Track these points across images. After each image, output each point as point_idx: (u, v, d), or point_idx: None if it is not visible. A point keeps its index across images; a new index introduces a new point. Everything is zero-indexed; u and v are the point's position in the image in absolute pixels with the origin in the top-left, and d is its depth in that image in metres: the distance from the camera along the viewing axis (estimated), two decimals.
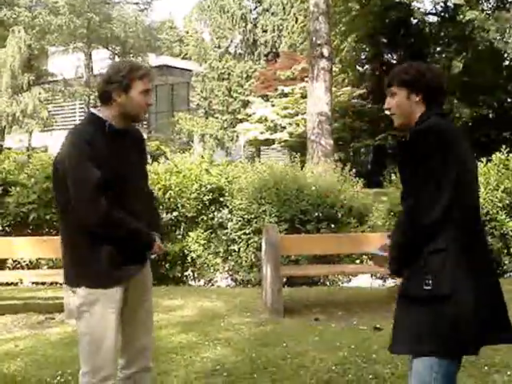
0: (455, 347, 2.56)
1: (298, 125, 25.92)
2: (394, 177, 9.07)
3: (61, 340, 5.56)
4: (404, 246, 2.64)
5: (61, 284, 6.53)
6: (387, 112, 2.90)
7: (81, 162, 2.83)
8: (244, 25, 34.55)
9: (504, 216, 8.84)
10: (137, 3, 29.15)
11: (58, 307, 6.57)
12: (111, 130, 2.97)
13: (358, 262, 8.74)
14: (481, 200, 8.82)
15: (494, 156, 9.37)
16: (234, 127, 31.84)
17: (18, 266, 8.54)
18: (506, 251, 8.87)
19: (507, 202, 8.91)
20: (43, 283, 8.20)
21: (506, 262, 8.86)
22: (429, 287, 2.52)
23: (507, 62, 26.56)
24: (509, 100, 25.97)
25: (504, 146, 9.37)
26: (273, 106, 27.33)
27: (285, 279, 7.61)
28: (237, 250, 8.65)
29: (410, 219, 2.58)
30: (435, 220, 2.51)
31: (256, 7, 35.71)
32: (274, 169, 9.18)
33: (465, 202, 2.61)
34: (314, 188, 8.62)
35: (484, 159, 9.28)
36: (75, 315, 3.05)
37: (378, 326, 5.78)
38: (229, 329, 5.80)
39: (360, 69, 30.88)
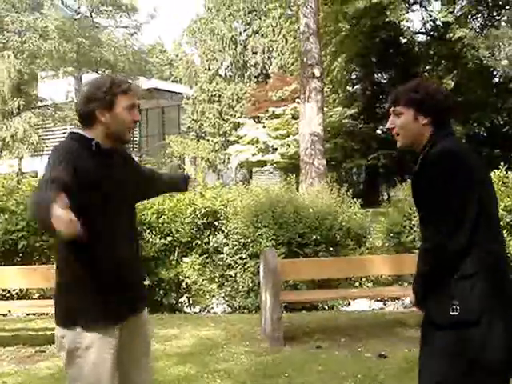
0: (481, 373, 2.41)
1: (289, 146, 25.85)
2: (389, 195, 8.89)
3: (51, 375, 5.29)
4: (430, 276, 2.51)
5: (52, 314, 6.28)
6: (391, 131, 2.72)
7: (55, 164, 2.51)
8: (234, 47, 34.59)
9: (506, 235, 8.66)
10: (126, 27, 29.04)
11: (50, 339, 6.28)
12: (98, 148, 2.67)
13: (356, 284, 8.53)
14: None
15: (492, 173, 9.20)
16: (225, 149, 31.72)
17: (8, 295, 8.26)
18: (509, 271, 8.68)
19: (508, 219, 8.73)
20: (34, 313, 7.93)
21: None
22: (456, 313, 2.40)
23: (496, 80, 26.66)
24: (499, 118, 26.00)
25: (502, 163, 9.22)
26: (264, 127, 27.27)
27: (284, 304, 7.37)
28: (233, 275, 8.42)
29: (435, 247, 2.43)
30: (461, 246, 2.39)
31: (246, 29, 35.78)
32: (270, 191, 8.98)
33: (488, 223, 2.49)
34: (311, 210, 8.42)
35: None
36: (63, 359, 2.72)
37: (383, 353, 5.57)
38: (228, 359, 5.56)
39: (350, 89, 30.95)
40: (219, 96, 33.69)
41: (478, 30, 22.92)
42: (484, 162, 2.69)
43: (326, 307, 8.54)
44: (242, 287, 8.33)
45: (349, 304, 8.67)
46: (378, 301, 8.66)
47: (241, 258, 8.35)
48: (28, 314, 7.88)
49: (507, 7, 23.04)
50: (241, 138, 28.26)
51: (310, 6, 16.06)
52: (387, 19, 21.15)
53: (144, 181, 3.10)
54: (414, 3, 25.38)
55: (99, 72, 27.96)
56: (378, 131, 30.08)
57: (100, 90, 2.65)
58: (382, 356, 5.52)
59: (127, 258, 2.76)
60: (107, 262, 2.65)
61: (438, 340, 2.48)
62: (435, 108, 2.59)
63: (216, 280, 8.53)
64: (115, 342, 2.68)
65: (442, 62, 25.66)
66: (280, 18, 31.71)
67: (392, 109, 2.69)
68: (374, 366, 5.21)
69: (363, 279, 8.48)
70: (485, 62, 20.69)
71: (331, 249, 8.31)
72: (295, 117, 25.55)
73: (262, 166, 28.82)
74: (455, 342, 2.42)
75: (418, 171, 2.57)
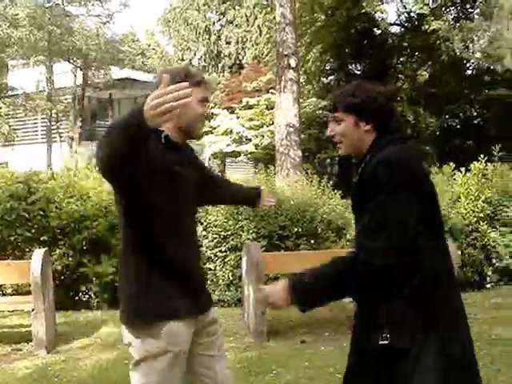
0: None
1: (263, 136, 25.75)
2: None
3: (29, 375, 5.11)
4: (350, 286, 2.21)
5: (28, 311, 6.09)
6: (332, 139, 2.46)
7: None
8: (208, 37, 34.36)
9: (485, 226, 8.67)
10: (98, 16, 28.56)
11: (26, 336, 6.12)
12: (168, 141, 2.55)
13: None
14: (462, 211, 8.66)
15: (472, 166, 9.21)
16: (199, 140, 31.50)
17: None
18: (489, 262, 8.70)
19: (488, 212, 8.75)
20: (9, 310, 7.69)
21: (489, 274, 8.69)
22: (386, 341, 2.14)
23: (469, 72, 26.84)
24: (472, 110, 26.20)
25: (482, 156, 9.23)
26: (238, 118, 27.14)
27: None
28: (213, 268, 8.28)
29: (367, 259, 2.11)
30: (392, 263, 2.10)
31: (219, 19, 35.53)
32: (250, 183, 8.85)
33: (433, 237, 2.26)
34: (292, 202, 8.31)
35: (463, 169, 9.13)
36: (130, 364, 2.53)
37: None
38: None
39: (325, 80, 30.91)
40: None
41: (451, 23, 23.01)
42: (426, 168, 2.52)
43: None
44: (223, 280, 8.20)
45: None
46: None
47: (221, 251, 8.21)
48: (2, 311, 7.66)
49: (479, 0, 23.19)
50: (215, 128, 28.09)
51: None
52: (363, 10, 21.16)
53: (206, 183, 2.92)
54: None
55: (71, 61, 27.51)
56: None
57: (174, 81, 2.34)
58: None
59: (192, 259, 2.64)
60: (176, 263, 2.52)
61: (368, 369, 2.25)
62: (377, 112, 2.34)
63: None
64: (186, 345, 2.53)
65: (416, 53, 25.74)
66: (254, 7, 31.57)
67: (331, 115, 2.44)
68: None
69: None
70: (459, 54, 20.80)
71: (312, 241, 8.21)
72: (269, 107, 25.48)
73: (236, 157, 28.70)
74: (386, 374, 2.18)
75: (357, 182, 2.33)
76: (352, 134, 2.37)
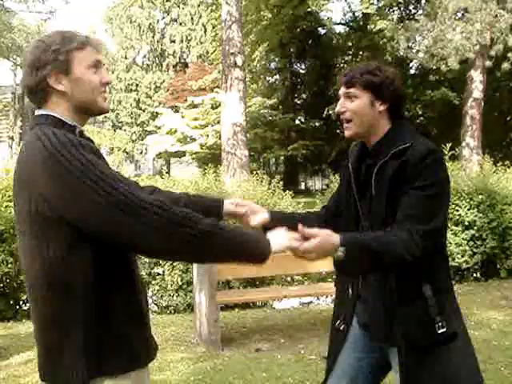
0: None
1: (208, 136, 25.51)
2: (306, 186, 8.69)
3: None
4: (398, 259, 2.17)
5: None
6: (341, 116, 2.36)
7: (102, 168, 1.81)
8: (152, 35, 33.83)
9: None
10: (39, 12, 27.72)
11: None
12: (83, 137, 1.96)
13: (288, 279, 8.26)
14: None
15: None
16: (142, 140, 31.00)
17: None
18: None
19: None
20: None
21: None
22: (444, 329, 2.23)
23: (412, 71, 27.18)
24: (417, 109, 26.50)
25: None
26: (183, 117, 26.81)
27: None
28: (161, 273, 7.95)
29: (430, 231, 2.20)
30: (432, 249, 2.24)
31: (164, 17, 35.05)
32: (199, 183, 8.55)
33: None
34: None
35: None
36: None
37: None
38: (164, 368, 5.10)
39: (270, 79, 30.88)
40: (136, 85, 32.91)
41: (396, 23, 23.22)
42: None
43: (258, 304, 8.22)
44: (171, 286, 7.88)
45: (281, 300, 8.37)
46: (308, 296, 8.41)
47: None
48: None
49: (423, 1, 23.49)
50: (159, 128, 27.70)
51: None
52: (308, 9, 21.13)
53: None
54: None
55: (10, 59, 26.60)
56: (297, 121, 30.18)
57: (49, 51, 1.92)
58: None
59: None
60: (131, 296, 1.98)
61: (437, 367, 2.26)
62: (394, 94, 2.32)
63: (142, 278, 8.05)
64: None
65: (361, 53, 25.90)
66: (199, 6, 31.24)
67: (345, 90, 2.33)
68: (320, 370, 4.90)
69: (296, 277, 8.22)
70: (403, 53, 20.96)
71: None
72: (214, 106, 25.25)
73: (181, 157, 28.36)
74: (457, 360, 2.28)
75: (399, 166, 2.24)
76: (366, 113, 2.31)
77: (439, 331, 2.22)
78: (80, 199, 1.73)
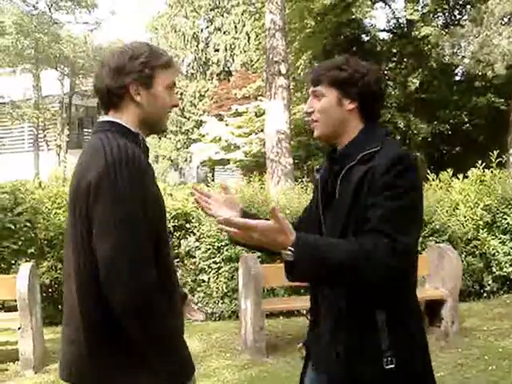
0: None
1: (252, 144, 25.59)
2: None
3: None
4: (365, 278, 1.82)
5: (14, 329, 5.78)
6: (307, 118, 2.19)
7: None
8: (196, 44, 34.19)
9: (485, 234, 8.48)
10: (86, 23, 28.36)
11: (12, 356, 5.82)
12: (145, 147, 2.02)
13: None
14: (461, 218, 8.47)
15: (470, 172, 9.07)
16: (187, 148, 31.27)
17: None
18: (488, 270, 8.51)
19: (487, 219, 8.56)
20: None
21: (490, 283, 8.49)
22: (391, 365, 1.91)
23: (458, 78, 26.80)
24: (462, 116, 26.11)
25: (480, 162, 9.07)
26: (227, 125, 26.96)
27: None
28: (206, 280, 8.03)
29: (405, 250, 1.86)
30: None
31: (207, 26, 35.38)
32: (244, 192, 8.61)
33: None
34: (288, 212, 8.08)
35: (460, 176, 8.98)
36: None
37: None
38: (209, 375, 5.17)
39: None
40: (181, 94, 33.23)
41: (441, 29, 22.96)
42: None
43: (304, 312, 8.22)
44: (216, 293, 7.96)
45: None
46: None
47: (214, 263, 7.96)
48: None
49: (468, 6, 23.17)
50: (203, 136, 27.89)
51: (276, 3, 15.80)
52: (352, 16, 21.04)
53: None
54: (378, 1, 25.29)
55: (58, 69, 27.18)
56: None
57: (136, 61, 1.97)
58: None
59: None
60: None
61: None
62: (364, 91, 2.05)
63: (188, 285, 8.13)
64: None
65: (406, 60, 25.65)
66: (243, 14, 31.43)
67: (312, 89, 2.12)
68: None
69: None
70: (449, 60, 20.71)
71: None
72: (258, 114, 25.32)
73: (225, 165, 28.50)
74: None
75: (364, 174, 1.95)
76: (332, 112, 2.08)
77: (386, 367, 1.91)
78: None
